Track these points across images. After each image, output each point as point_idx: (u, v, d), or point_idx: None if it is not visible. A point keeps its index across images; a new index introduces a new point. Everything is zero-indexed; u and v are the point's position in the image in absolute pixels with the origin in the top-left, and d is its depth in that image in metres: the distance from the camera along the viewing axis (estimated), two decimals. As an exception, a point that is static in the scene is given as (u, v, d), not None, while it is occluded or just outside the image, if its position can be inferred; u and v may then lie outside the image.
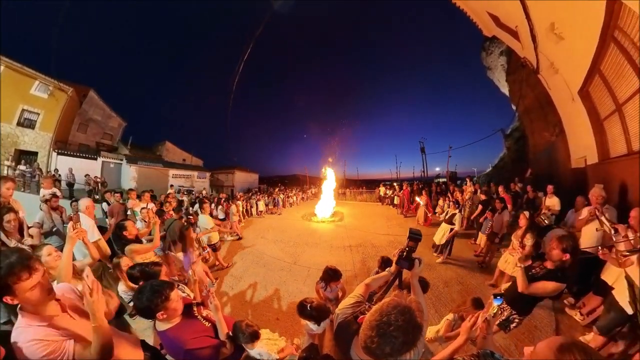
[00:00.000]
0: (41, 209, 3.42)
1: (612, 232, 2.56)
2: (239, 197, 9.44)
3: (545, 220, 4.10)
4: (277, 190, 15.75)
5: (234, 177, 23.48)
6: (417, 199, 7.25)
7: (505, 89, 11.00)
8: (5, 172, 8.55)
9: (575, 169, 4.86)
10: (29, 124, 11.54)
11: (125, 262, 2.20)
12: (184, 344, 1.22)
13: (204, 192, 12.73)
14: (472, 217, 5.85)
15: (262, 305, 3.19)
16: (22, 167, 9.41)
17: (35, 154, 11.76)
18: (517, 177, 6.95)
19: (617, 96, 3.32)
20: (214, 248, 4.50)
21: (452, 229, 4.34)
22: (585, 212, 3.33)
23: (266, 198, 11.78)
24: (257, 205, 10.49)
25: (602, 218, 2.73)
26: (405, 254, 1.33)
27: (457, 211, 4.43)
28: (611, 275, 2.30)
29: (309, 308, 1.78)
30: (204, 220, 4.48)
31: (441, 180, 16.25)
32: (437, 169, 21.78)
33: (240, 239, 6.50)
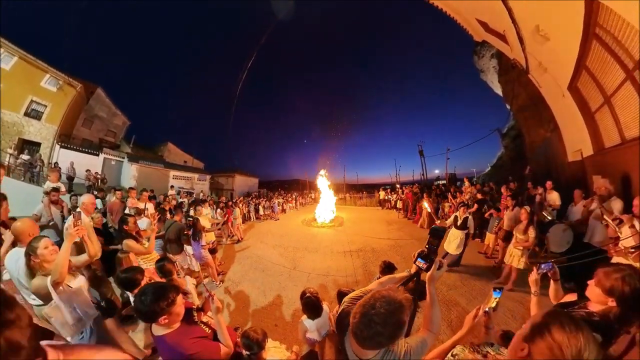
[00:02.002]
0: (42, 202, 3.37)
1: (617, 223, 2.59)
2: (239, 201, 9.54)
3: (548, 216, 4.17)
4: (276, 194, 15.85)
5: (234, 181, 23.55)
6: (425, 204, 6.93)
7: (498, 90, 11.32)
8: (7, 160, 8.60)
9: (572, 163, 4.94)
10: (36, 115, 11.79)
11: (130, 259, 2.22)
12: (185, 349, 1.17)
13: (201, 194, 12.83)
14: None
15: (260, 311, 3.14)
16: (24, 156, 9.49)
17: (39, 144, 11.95)
18: (512, 176, 7.03)
19: (605, 89, 3.46)
20: (211, 250, 4.46)
21: (467, 234, 4.00)
22: (581, 206, 3.39)
23: (264, 202, 11.88)
24: (256, 209, 10.53)
25: (605, 216, 2.76)
26: (425, 252, 1.20)
27: (469, 214, 4.11)
28: (620, 265, 2.29)
29: (305, 296, 1.83)
30: (200, 220, 4.47)
31: (441, 182, 16.31)
32: (437, 171, 21.89)
33: (239, 241, 6.53)
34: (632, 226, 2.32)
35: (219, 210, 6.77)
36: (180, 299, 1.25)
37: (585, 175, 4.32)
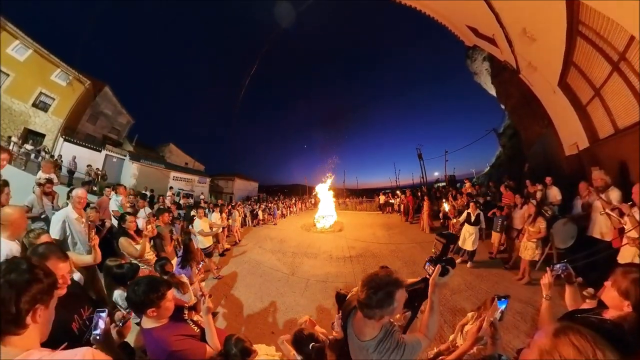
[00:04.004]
0: (33, 192, 3.27)
1: (618, 214, 2.61)
2: (237, 205, 9.55)
3: (548, 212, 4.18)
4: (275, 199, 15.86)
5: (233, 184, 23.64)
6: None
7: (492, 91, 11.58)
8: (11, 148, 8.65)
9: (569, 156, 5.00)
10: (43, 107, 12.04)
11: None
12: (169, 345, 1.18)
13: (201, 196, 12.81)
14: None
15: (256, 318, 3.06)
16: (28, 146, 9.52)
17: (43, 136, 12.09)
18: (511, 174, 7.06)
19: (594, 82, 3.59)
20: (208, 253, 4.44)
21: (480, 229, 4.26)
22: (579, 203, 3.42)
23: (263, 206, 11.90)
24: (255, 214, 10.50)
25: (607, 210, 2.76)
26: (433, 257, 1.16)
27: (480, 211, 4.37)
28: (627, 256, 2.28)
29: (310, 348, 1.36)
30: (197, 223, 4.47)
31: (441, 184, 16.32)
32: (436, 173, 21.93)
33: (237, 243, 6.52)
34: (630, 215, 2.32)
35: (223, 214, 6.73)
36: (170, 294, 1.29)
37: (583, 167, 4.37)
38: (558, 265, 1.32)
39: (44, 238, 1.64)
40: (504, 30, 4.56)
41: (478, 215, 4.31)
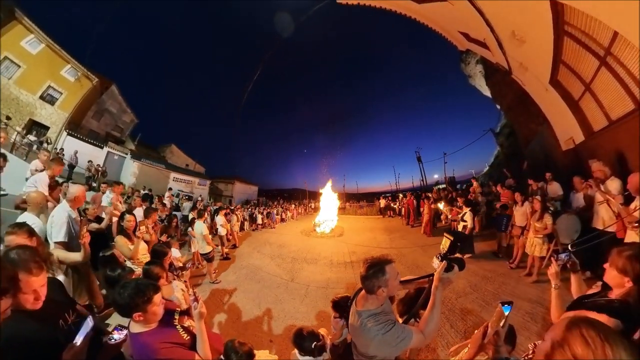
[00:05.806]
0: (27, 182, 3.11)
1: (618, 205, 2.64)
2: (236, 208, 9.58)
3: (551, 207, 4.21)
4: (275, 204, 15.81)
5: (233, 187, 23.50)
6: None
7: (487, 92, 11.84)
8: (14, 137, 8.71)
9: (566, 151, 5.07)
10: (50, 100, 12.28)
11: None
12: (153, 352, 1.13)
13: (199, 198, 12.85)
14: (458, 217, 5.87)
15: (254, 325, 2.98)
16: (31, 137, 9.54)
17: (47, 128, 12.25)
18: (510, 172, 7.08)
19: (583, 77, 3.72)
20: (208, 258, 4.41)
21: (465, 226, 4.51)
22: (580, 195, 3.46)
23: (262, 210, 11.96)
24: (254, 218, 10.48)
25: (608, 197, 2.80)
26: (441, 254, 1.18)
27: (467, 209, 4.58)
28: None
29: (313, 346, 1.43)
30: (200, 226, 4.46)
31: (441, 186, 16.31)
32: (436, 176, 21.93)
33: (235, 246, 6.49)
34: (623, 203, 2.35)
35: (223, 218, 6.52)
36: (158, 298, 1.24)
37: (581, 161, 4.43)
38: (563, 255, 1.37)
39: (11, 239, 1.45)
40: (494, 34, 4.77)
41: (464, 215, 4.66)
